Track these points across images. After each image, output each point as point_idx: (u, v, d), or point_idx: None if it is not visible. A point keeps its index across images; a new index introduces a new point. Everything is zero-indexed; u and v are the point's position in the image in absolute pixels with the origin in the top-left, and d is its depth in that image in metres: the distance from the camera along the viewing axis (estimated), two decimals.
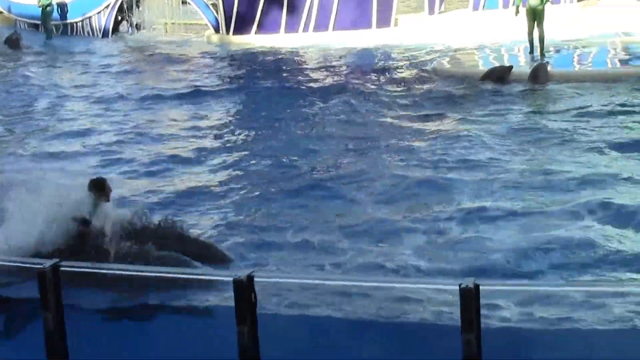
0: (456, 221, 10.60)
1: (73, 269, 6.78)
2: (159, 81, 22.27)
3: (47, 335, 6.65)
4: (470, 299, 5.94)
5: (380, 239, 10.02)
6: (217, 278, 6.47)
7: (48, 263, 6.62)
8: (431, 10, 26.71)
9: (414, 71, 21.90)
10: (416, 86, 20.11)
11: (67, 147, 16.02)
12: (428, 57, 23.56)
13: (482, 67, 20.96)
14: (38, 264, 6.73)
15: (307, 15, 26.83)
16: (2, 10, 33.05)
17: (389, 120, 17.15)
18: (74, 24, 30.41)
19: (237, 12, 27.18)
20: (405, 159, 14.08)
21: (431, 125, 16.45)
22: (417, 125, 16.62)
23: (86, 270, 7.08)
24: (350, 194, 11.97)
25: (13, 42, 28.00)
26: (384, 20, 26.61)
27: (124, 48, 28.46)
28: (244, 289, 6.03)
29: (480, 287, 6.03)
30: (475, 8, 26.46)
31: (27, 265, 7.26)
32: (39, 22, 31.30)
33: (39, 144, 16.43)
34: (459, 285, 6.00)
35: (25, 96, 21.45)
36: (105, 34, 29.74)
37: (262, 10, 26.99)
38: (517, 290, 7.42)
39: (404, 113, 17.64)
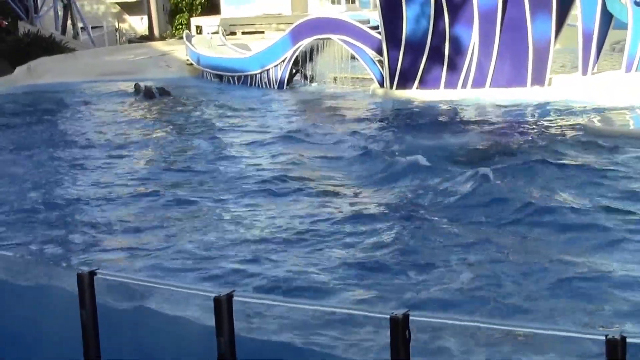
0: None
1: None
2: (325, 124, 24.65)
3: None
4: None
5: None
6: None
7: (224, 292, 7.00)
8: (584, 71, 27.41)
9: (565, 129, 22.77)
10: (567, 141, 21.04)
11: None
12: (579, 116, 24.38)
13: (633, 127, 21.53)
14: (213, 292, 7.07)
15: (466, 72, 28.18)
16: (192, 62, 36.38)
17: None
18: (254, 76, 33.22)
19: (401, 68, 28.92)
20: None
21: None
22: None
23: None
24: None
25: (147, 93, 31.10)
26: (539, 79, 27.56)
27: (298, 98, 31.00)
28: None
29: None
30: (628, 69, 26.97)
31: (203, 292, 7.67)
32: (222, 73, 34.51)
33: None
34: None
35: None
36: (280, 85, 32.20)
37: (424, 67, 28.58)
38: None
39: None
